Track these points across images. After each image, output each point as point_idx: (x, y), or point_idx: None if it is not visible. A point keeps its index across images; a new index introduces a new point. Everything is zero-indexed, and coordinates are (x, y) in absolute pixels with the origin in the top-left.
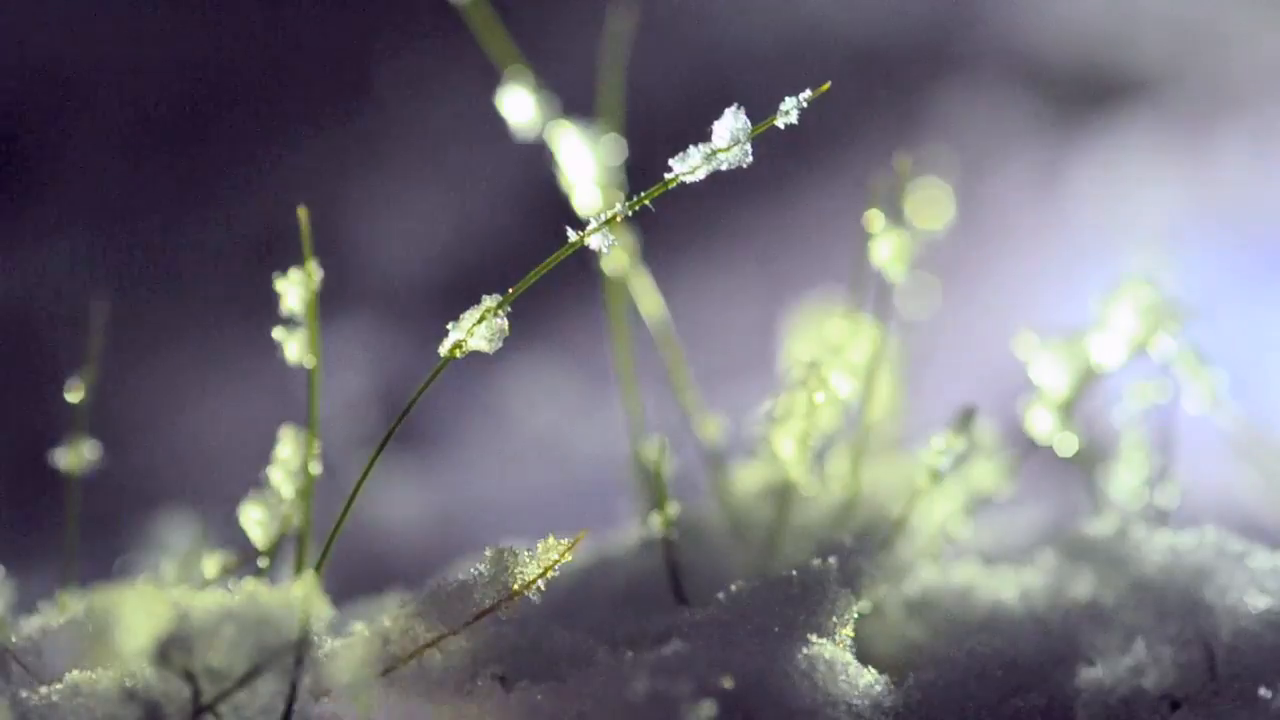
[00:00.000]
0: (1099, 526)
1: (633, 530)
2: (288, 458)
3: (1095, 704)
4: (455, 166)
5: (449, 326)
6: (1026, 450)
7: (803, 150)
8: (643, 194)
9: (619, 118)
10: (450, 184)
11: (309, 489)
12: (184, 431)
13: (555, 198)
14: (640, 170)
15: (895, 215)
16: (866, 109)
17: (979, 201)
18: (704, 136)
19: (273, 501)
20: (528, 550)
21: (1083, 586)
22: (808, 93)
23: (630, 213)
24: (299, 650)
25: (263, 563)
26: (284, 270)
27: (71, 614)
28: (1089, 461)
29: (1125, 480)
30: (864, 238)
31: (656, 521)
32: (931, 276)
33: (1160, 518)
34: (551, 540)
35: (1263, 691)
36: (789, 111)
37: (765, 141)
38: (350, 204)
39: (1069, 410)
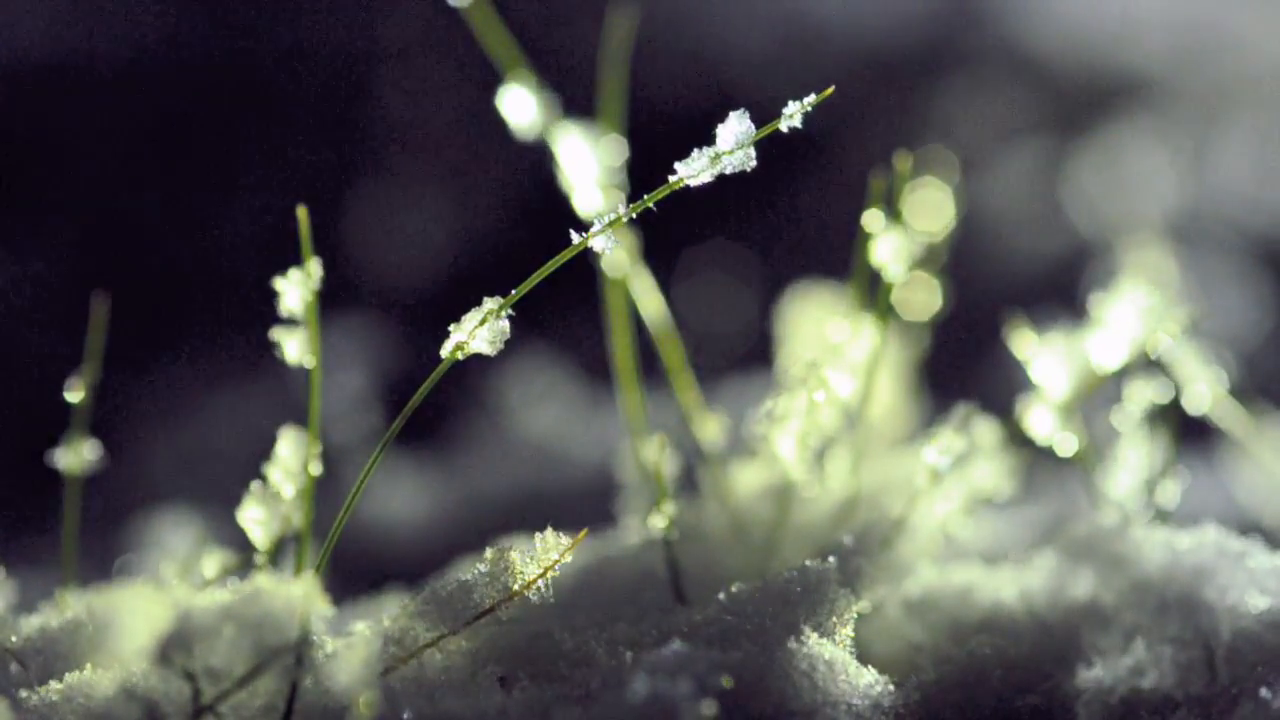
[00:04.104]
0: (1099, 526)
1: (633, 530)
2: (288, 458)
3: (1095, 704)
4: (457, 167)
5: (451, 328)
6: (1027, 450)
7: (804, 149)
8: (645, 196)
9: (620, 118)
10: (452, 184)
11: (309, 489)
12: (184, 431)
13: (556, 198)
14: (642, 171)
15: (895, 215)
16: (867, 109)
17: (979, 201)
18: (707, 139)
19: (273, 501)
20: (528, 550)
21: (1083, 586)
22: (812, 97)
23: (633, 215)
24: (299, 650)
25: (262, 562)
26: (284, 270)
27: (71, 614)
28: (1089, 461)
29: (1125, 480)
30: (864, 238)
31: (656, 521)
32: (931, 276)
33: (1160, 518)
34: (551, 540)
35: (1263, 692)
36: (793, 116)
37: (768, 142)
38: (351, 204)
39: (1069, 410)
